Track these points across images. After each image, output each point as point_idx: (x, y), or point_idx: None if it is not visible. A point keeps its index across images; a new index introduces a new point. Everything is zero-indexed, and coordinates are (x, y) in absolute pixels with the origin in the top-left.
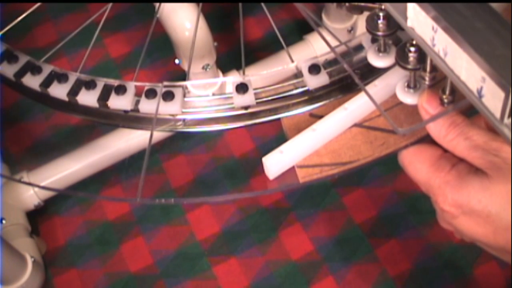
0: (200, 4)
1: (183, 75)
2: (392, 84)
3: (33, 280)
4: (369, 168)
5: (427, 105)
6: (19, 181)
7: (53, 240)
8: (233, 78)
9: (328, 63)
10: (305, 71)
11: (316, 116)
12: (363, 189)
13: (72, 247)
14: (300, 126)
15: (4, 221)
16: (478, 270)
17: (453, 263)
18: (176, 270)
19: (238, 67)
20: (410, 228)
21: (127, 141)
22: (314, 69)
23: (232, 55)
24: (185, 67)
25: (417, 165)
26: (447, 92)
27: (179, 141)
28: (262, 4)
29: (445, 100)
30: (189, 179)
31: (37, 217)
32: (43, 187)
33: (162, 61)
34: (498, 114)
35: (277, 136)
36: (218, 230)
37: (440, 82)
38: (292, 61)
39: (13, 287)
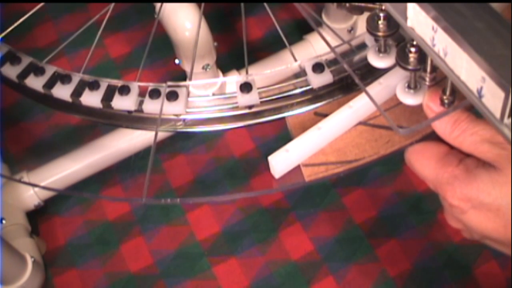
0: (203, 4)
1: (183, 75)
2: (396, 83)
3: (33, 280)
4: (369, 168)
5: (432, 103)
6: (19, 181)
7: (53, 240)
8: (237, 78)
9: (332, 62)
10: (309, 70)
11: (321, 115)
12: (363, 189)
13: (72, 247)
14: (305, 124)
15: (4, 221)
16: (478, 270)
17: (453, 263)
18: (176, 270)
19: (238, 67)
20: (410, 228)
21: (127, 141)
22: (318, 67)
23: (232, 55)
24: (185, 67)
25: (424, 161)
26: (448, 92)
27: (179, 141)
28: (265, 4)
29: (446, 101)
30: (189, 179)
31: (37, 217)
32: (43, 187)
33: (162, 61)
34: (498, 114)
35: (277, 136)
36: (218, 230)
37: (440, 82)
38: (296, 60)
39: (13, 287)
